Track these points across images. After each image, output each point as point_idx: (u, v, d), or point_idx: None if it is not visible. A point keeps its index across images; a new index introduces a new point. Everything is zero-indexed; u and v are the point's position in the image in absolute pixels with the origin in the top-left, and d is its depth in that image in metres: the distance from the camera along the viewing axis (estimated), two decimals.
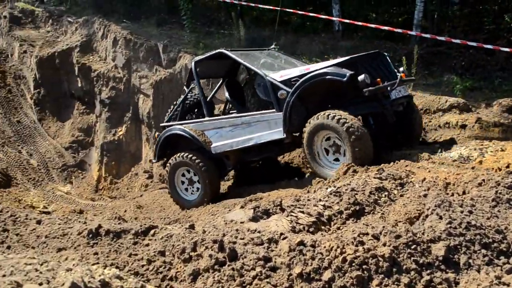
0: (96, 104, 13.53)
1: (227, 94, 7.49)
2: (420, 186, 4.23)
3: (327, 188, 4.55)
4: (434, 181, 4.35)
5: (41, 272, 2.15)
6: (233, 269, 2.59)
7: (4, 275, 2.02)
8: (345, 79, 5.46)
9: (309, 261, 2.55)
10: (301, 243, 2.68)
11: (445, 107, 7.15)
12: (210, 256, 2.69)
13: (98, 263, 2.88)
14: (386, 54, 6.45)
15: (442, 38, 9.36)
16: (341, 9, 12.65)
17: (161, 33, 13.70)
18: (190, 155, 6.84)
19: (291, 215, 3.61)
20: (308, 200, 4.06)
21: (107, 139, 12.80)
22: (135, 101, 12.56)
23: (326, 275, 2.46)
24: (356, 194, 4.06)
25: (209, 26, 14.52)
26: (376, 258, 2.52)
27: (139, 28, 14.00)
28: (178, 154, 6.99)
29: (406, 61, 8.68)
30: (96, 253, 3.09)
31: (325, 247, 2.64)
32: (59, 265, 2.33)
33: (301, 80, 5.83)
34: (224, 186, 8.06)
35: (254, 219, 3.62)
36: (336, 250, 2.58)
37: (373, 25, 10.39)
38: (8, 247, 3.32)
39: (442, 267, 2.52)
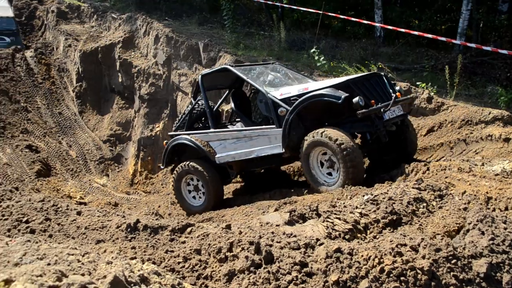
0: (135, 99, 13.78)
1: (232, 105, 7.83)
2: (460, 199, 4.14)
3: (363, 196, 4.50)
4: (475, 195, 4.25)
5: (83, 263, 2.20)
6: (268, 272, 2.59)
7: (49, 264, 2.08)
8: (340, 101, 5.75)
9: (346, 269, 2.53)
10: (338, 250, 2.66)
11: (488, 119, 6.96)
12: (246, 257, 2.70)
13: (135, 257, 2.92)
14: (383, 74, 6.62)
15: (488, 48, 9.13)
16: (383, 15, 12.50)
17: (202, 32, 13.84)
18: (195, 164, 7.18)
19: (327, 221, 3.59)
20: (345, 206, 4.03)
21: (144, 134, 13.01)
22: (174, 98, 12.72)
23: (363, 284, 2.43)
24: (394, 203, 4.00)
25: (250, 27, 14.58)
26: (415, 270, 2.48)
27: (180, 26, 14.19)
28: (185, 163, 7.34)
29: (449, 70, 8.51)
30: (133, 248, 3.15)
31: (362, 256, 2.61)
32: (99, 257, 2.38)
33: (299, 100, 6.15)
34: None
35: (290, 222, 3.62)
36: (374, 260, 2.55)
37: (416, 32, 10.23)
38: (50, 236, 3.42)
39: (483, 284, 2.46)
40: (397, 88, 6.57)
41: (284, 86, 6.95)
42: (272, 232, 3.10)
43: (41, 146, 12.08)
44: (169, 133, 8.28)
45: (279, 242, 2.87)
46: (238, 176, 8.12)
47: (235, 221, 4.87)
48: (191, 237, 3.24)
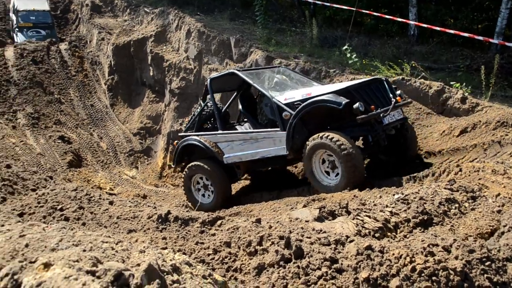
0: (166, 93, 13.90)
1: (240, 106, 8.17)
2: (493, 202, 4.06)
3: (394, 195, 4.45)
4: (510, 198, 4.16)
5: (116, 251, 2.24)
6: (298, 266, 2.59)
7: (84, 250, 2.13)
8: (341, 107, 6.04)
9: (376, 266, 2.51)
10: (369, 247, 2.64)
11: None
12: (276, 251, 2.71)
13: (166, 248, 2.96)
14: (384, 79, 6.86)
15: None
16: (418, 13, 12.29)
17: (234, 27, 13.86)
18: (204, 164, 7.55)
19: (357, 219, 3.57)
20: (375, 205, 4.00)
21: (174, 128, 13.10)
22: None
23: (394, 282, 2.41)
24: (425, 203, 3.95)
25: (281, 23, 14.53)
26: (447, 270, 2.44)
27: (212, 21, 14.24)
28: (194, 162, 7.69)
29: (485, 70, 8.31)
30: (164, 238, 3.19)
31: (393, 254, 2.59)
32: (131, 246, 2.42)
33: (302, 105, 6.46)
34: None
35: (320, 219, 3.61)
36: (405, 259, 2.52)
37: (451, 31, 10.04)
38: (83, 224, 3.49)
39: None
40: (398, 92, 6.79)
41: (288, 91, 7.25)
42: (302, 228, 3.10)
43: (73, 137, 12.32)
44: (179, 134, 8.67)
45: (309, 237, 2.86)
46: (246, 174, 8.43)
47: (263, 216, 4.88)
48: (221, 230, 3.27)
